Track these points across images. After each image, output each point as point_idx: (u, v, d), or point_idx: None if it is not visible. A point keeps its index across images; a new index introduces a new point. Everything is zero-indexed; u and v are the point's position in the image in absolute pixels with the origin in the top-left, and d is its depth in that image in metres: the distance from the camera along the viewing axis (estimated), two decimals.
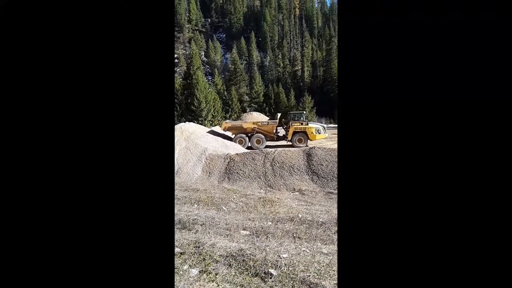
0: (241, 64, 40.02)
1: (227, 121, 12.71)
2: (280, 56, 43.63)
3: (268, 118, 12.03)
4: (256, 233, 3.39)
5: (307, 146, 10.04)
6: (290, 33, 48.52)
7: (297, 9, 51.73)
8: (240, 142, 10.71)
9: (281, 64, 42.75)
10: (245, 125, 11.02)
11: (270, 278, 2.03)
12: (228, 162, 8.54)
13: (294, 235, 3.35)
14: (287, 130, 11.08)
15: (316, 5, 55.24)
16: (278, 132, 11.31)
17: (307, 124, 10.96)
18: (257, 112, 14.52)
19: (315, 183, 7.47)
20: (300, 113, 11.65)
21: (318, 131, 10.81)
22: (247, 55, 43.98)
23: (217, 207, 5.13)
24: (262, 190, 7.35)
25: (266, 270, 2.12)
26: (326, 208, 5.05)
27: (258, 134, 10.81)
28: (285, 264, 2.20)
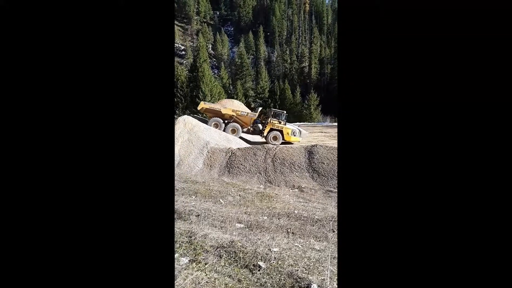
0: (248, 58, 39.79)
1: (205, 102, 12.03)
2: (287, 52, 43.18)
3: (251, 111, 11.76)
4: (250, 227, 3.41)
5: (281, 144, 10.02)
6: (299, 29, 47.90)
7: (307, 5, 50.91)
8: (215, 126, 10.42)
9: (289, 60, 42.33)
10: (223, 111, 10.65)
11: (259, 270, 2.05)
12: (230, 156, 8.56)
13: (288, 230, 3.36)
14: (264, 125, 11.03)
15: (327, 1, 54.40)
16: (256, 126, 11.21)
17: (285, 124, 10.88)
18: (238, 101, 13.81)
19: (315, 181, 7.45)
20: (281, 112, 11.45)
21: (293, 133, 10.76)
22: (254, 50, 43.67)
23: (215, 199, 5.17)
24: (261, 185, 7.37)
25: (255, 263, 2.14)
26: (323, 206, 5.04)
27: (234, 123, 10.56)
28: (275, 258, 2.21)
